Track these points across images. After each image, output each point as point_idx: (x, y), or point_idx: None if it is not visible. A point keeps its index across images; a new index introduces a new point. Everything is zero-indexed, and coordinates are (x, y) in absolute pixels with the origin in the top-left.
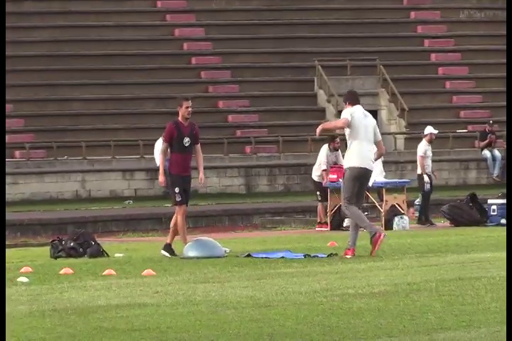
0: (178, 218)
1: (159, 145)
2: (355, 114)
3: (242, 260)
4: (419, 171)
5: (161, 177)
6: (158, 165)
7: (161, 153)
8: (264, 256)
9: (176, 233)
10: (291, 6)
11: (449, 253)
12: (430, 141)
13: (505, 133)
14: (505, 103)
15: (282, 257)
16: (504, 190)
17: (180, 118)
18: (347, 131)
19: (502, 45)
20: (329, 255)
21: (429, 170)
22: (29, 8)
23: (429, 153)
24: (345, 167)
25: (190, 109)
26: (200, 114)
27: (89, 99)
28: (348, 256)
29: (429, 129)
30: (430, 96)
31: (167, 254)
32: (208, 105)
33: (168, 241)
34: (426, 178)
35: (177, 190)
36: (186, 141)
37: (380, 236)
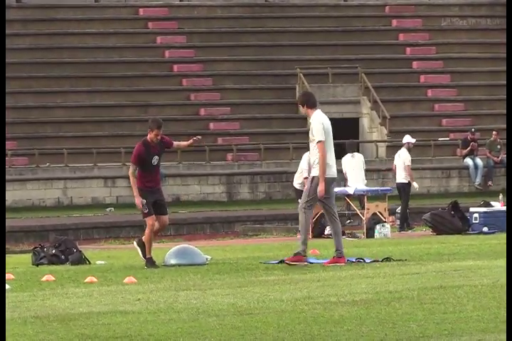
0: (146, 230)
1: None
2: (325, 122)
3: (224, 267)
4: (404, 180)
5: (137, 200)
6: None
7: (131, 176)
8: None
9: (149, 244)
10: (273, 14)
11: (430, 262)
12: (409, 149)
13: (487, 141)
14: (487, 111)
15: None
16: (486, 198)
17: (148, 138)
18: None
19: (484, 53)
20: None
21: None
22: (12, 16)
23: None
24: (316, 175)
25: (159, 137)
26: (181, 122)
27: (71, 107)
28: (343, 264)
29: (406, 138)
30: (412, 104)
31: (153, 268)
32: (190, 113)
33: (146, 255)
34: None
35: (144, 201)
36: (154, 160)
37: (300, 260)
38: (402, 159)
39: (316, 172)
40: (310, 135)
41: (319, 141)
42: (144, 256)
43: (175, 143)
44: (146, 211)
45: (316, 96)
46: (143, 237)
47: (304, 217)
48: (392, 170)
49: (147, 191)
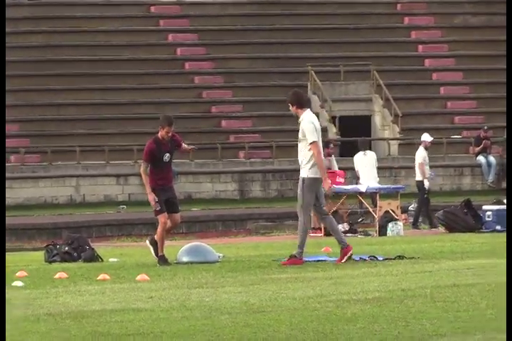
0: (158, 228)
1: None
2: (315, 122)
3: (236, 265)
4: (419, 177)
5: (150, 196)
6: None
7: (143, 173)
8: (307, 259)
9: (162, 241)
10: (284, 12)
11: (443, 260)
12: (426, 148)
13: (501, 138)
14: (499, 108)
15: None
16: (499, 196)
17: (159, 136)
18: (305, 142)
19: (496, 51)
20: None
21: (427, 175)
22: (23, 14)
23: (427, 160)
24: (304, 176)
25: (170, 134)
26: (193, 120)
27: (83, 104)
28: (351, 252)
29: (424, 136)
30: (424, 102)
31: (165, 266)
32: (201, 110)
33: (159, 252)
34: (426, 183)
35: (156, 198)
36: (166, 157)
37: (296, 263)
38: (417, 157)
39: (304, 173)
40: (300, 135)
41: (313, 142)
42: (157, 254)
43: (183, 145)
44: (158, 209)
45: (328, 93)
46: (155, 236)
47: (303, 219)
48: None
49: (159, 189)
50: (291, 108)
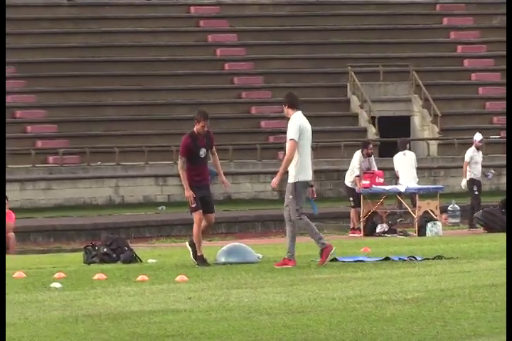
0: (194, 226)
1: None
2: (305, 123)
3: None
4: (468, 177)
5: (187, 192)
6: None
7: (181, 170)
8: (346, 260)
9: (198, 240)
10: (323, 12)
11: (482, 260)
12: (477, 147)
13: None
14: None
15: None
16: None
17: (195, 130)
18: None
19: None
20: (434, 258)
21: (478, 176)
22: (63, 14)
23: (477, 159)
24: (294, 181)
25: (205, 128)
26: (233, 120)
27: (122, 105)
28: (290, 266)
29: (475, 136)
30: (463, 102)
31: (204, 266)
32: (241, 111)
33: (197, 252)
34: (463, 183)
35: (193, 195)
36: (202, 152)
37: (331, 248)
38: (465, 156)
39: (294, 177)
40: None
41: (291, 139)
42: (195, 257)
43: (216, 156)
44: (193, 205)
45: (367, 94)
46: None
47: (304, 223)
48: None
49: (195, 186)
50: (284, 108)
